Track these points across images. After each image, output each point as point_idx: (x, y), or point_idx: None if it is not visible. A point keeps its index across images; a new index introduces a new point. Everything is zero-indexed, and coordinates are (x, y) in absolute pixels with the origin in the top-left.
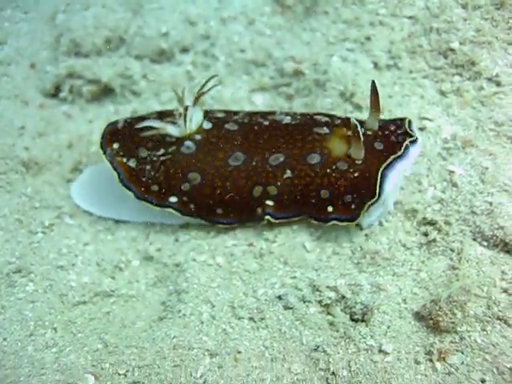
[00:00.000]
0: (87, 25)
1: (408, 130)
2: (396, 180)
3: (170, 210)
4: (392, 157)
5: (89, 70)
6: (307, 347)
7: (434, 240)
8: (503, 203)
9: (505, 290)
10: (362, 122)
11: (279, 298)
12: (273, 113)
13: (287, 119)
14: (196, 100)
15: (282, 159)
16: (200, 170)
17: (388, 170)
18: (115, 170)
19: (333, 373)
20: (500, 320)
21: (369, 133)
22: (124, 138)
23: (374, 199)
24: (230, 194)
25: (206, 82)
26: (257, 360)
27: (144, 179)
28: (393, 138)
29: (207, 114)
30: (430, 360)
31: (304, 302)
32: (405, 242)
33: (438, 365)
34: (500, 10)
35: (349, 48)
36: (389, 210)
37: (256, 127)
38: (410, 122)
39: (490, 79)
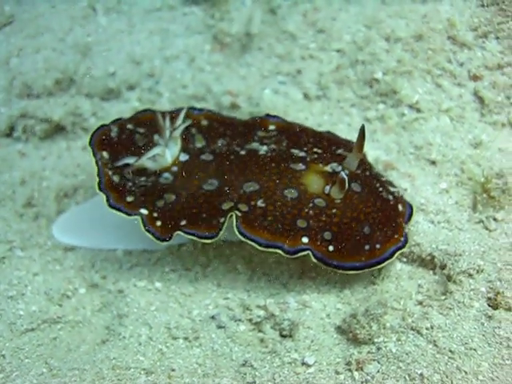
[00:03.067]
0: (38, 68)
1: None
2: None
3: (137, 217)
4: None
5: (41, 110)
6: (236, 363)
7: None
8: (419, 222)
9: (420, 302)
10: (342, 158)
11: (212, 317)
12: (251, 140)
13: (263, 150)
14: (171, 134)
15: (256, 187)
16: (175, 192)
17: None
18: (98, 175)
19: None
20: (413, 330)
21: (346, 172)
22: (114, 151)
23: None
24: (199, 205)
25: (182, 113)
26: (189, 376)
27: (122, 191)
28: (374, 184)
29: (186, 145)
30: (349, 370)
31: (235, 320)
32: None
33: (356, 374)
34: (419, 41)
35: (281, 81)
36: None
37: (232, 156)
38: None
39: (410, 106)
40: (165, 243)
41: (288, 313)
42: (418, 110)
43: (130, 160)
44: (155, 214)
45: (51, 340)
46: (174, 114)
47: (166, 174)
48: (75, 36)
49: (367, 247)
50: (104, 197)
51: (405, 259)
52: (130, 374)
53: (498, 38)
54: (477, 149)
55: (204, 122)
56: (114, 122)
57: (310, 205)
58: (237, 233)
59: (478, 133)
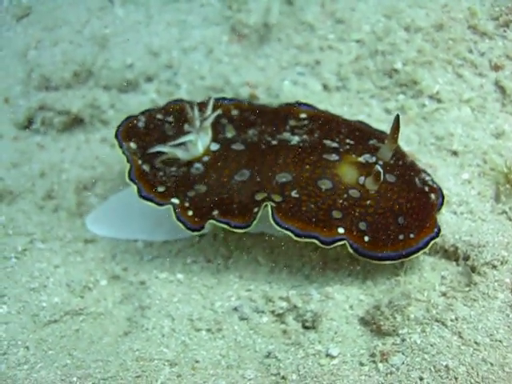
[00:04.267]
0: (56, 60)
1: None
2: None
3: (169, 206)
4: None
5: (59, 102)
6: (260, 354)
7: None
8: (442, 213)
9: (443, 294)
10: (375, 149)
11: (235, 309)
12: (282, 129)
13: (295, 140)
14: (201, 124)
15: (289, 178)
16: (207, 183)
17: None
18: (128, 162)
19: (283, 377)
20: (438, 322)
21: (380, 162)
22: (142, 141)
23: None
24: (231, 196)
25: (210, 103)
26: (213, 368)
27: (153, 181)
28: (408, 173)
29: (217, 135)
30: (374, 361)
31: (258, 312)
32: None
33: (381, 365)
34: (439, 31)
35: (300, 72)
36: None
37: (263, 146)
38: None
39: (431, 97)
40: (196, 233)
41: (311, 304)
42: (439, 101)
43: (161, 148)
44: (187, 204)
45: (74, 332)
46: (203, 105)
47: (198, 165)
48: (92, 28)
49: (401, 237)
50: (135, 188)
51: (427, 251)
52: (153, 366)
53: None
54: (499, 139)
55: (234, 112)
56: (144, 112)
57: (345, 196)
58: (272, 222)
59: (499, 123)
